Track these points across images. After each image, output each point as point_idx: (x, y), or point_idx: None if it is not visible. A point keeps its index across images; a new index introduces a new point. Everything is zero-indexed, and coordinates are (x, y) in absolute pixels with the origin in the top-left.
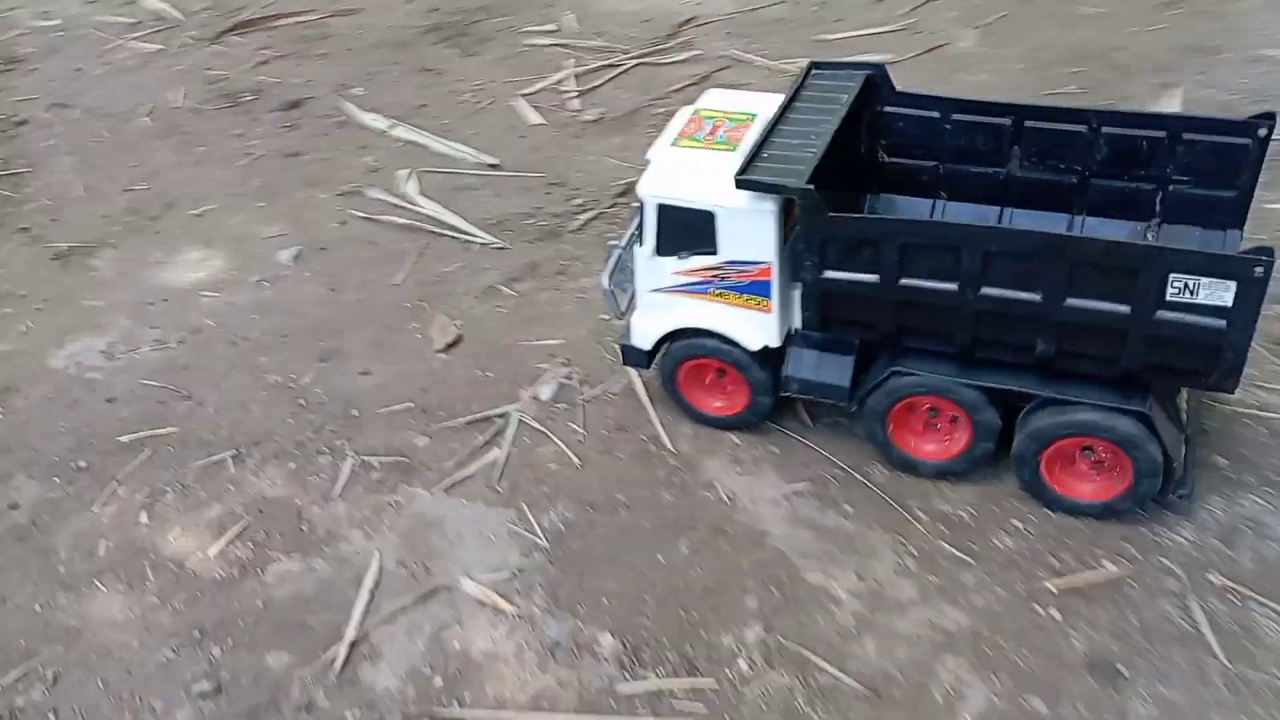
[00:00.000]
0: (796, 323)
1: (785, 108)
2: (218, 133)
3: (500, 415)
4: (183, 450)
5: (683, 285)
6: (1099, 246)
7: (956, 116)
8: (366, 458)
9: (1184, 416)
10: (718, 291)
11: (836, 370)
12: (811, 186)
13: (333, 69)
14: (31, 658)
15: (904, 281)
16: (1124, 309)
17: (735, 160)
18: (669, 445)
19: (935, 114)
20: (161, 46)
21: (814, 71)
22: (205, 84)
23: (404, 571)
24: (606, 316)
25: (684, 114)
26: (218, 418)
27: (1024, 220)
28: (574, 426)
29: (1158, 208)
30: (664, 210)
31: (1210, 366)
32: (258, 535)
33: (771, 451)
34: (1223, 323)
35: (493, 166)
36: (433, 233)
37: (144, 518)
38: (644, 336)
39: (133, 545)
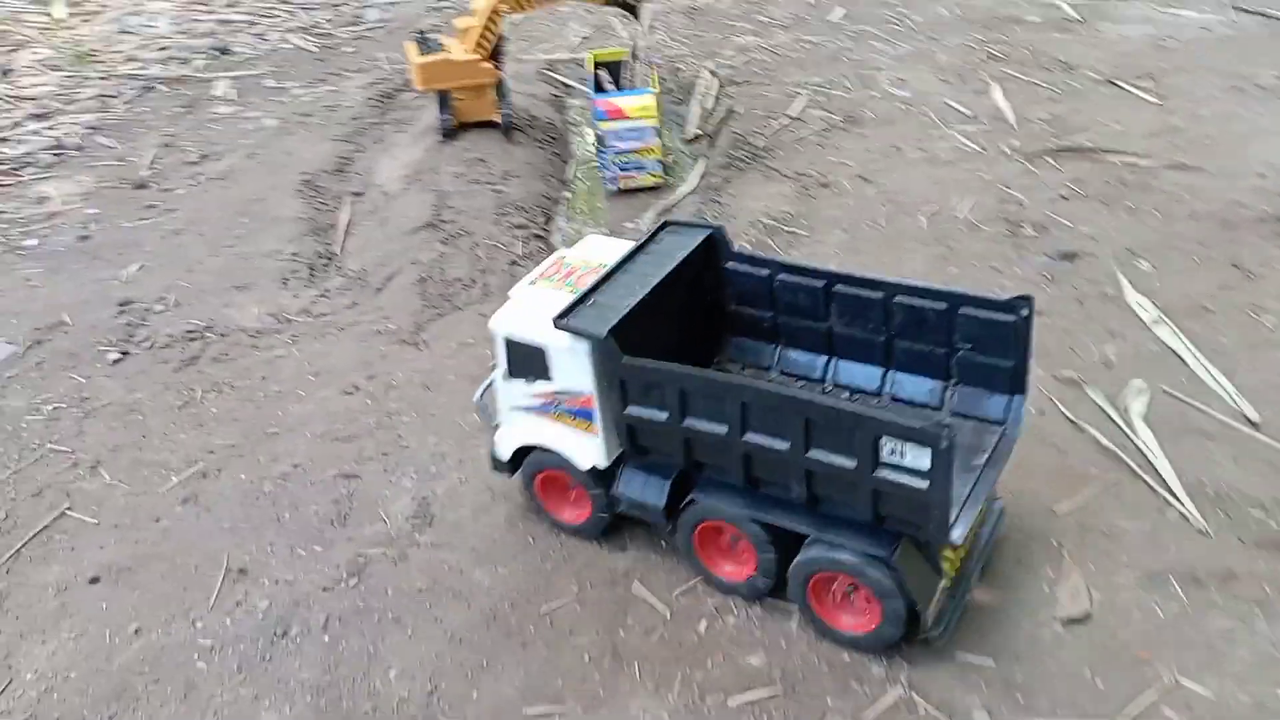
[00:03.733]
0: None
1: (627, 259)
2: (979, 260)
3: None
4: None
5: (531, 405)
6: (822, 408)
7: (781, 276)
8: (916, 696)
9: (950, 561)
10: (557, 414)
11: (655, 491)
12: (608, 335)
13: (1132, 229)
14: None
15: (686, 422)
16: (850, 464)
17: (566, 303)
18: None
19: (765, 272)
20: (981, 149)
21: (666, 228)
22: (997, 201)
23: None
24: None
25: (553, 257)
26: None
27: (846, 370)
28: None
29: (951, 370)
30: (509, 343)
31: (924, 520)
32: (775, 712)
33: None
34: (925, 483)
35: (1250, 423)
36: (1131, 470)
37: (703, 626)
38: (503, 448)
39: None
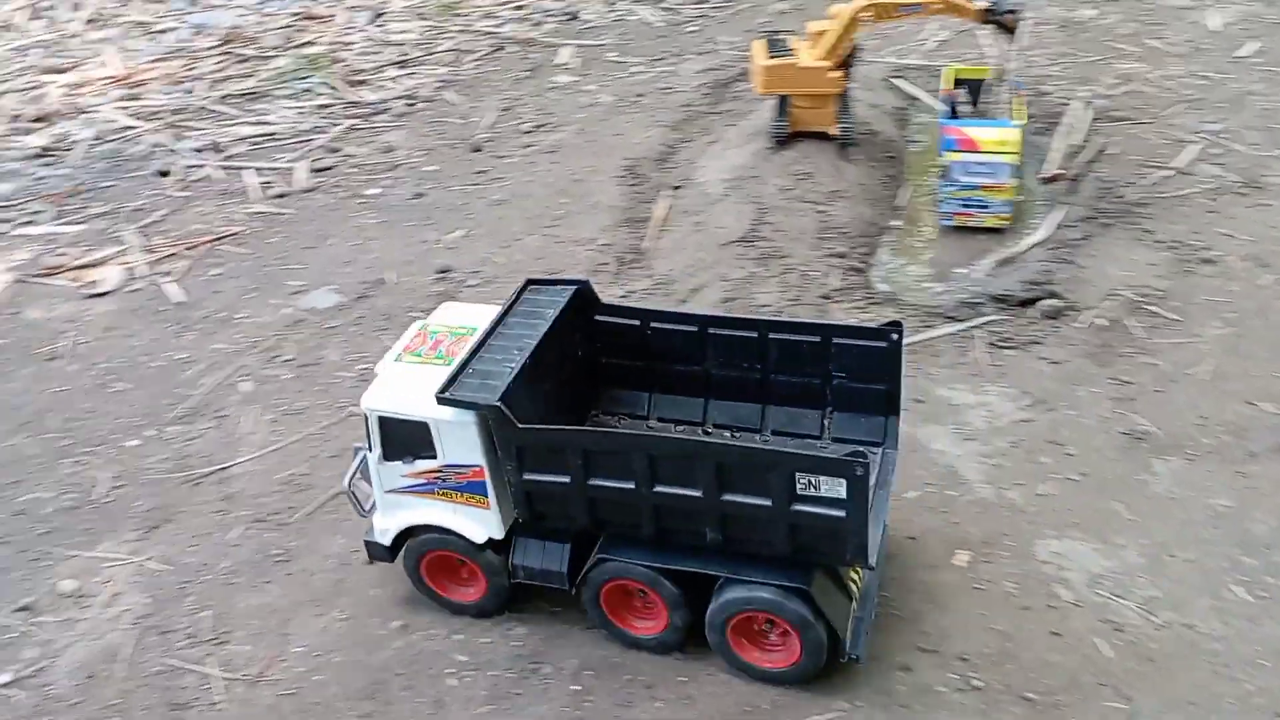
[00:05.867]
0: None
1: (497, 323)
2: None
3: None
4: None
5: (412, 486)
6: (736, 451)
7: (654, 325)
8: None
9: (855, 583)
10: (442, 491)
11: (554, 558)
12: (499, 404)
13: None
14: None
15: (591, 481)
16: (767, 502)
17: (445, 375)
18: None
19: (636, 322)
20: None
21: (529, 287)
22: None
23: None
24: None
25: (412, 329)
26: None
27: (723, 409)
28: None
29: (828, 398)
30: (385, 421)
31: (841, 548)
32: None
33: None
34: (842, 512)
35: None
36: None
37: None
38: (384, 534)
39: None
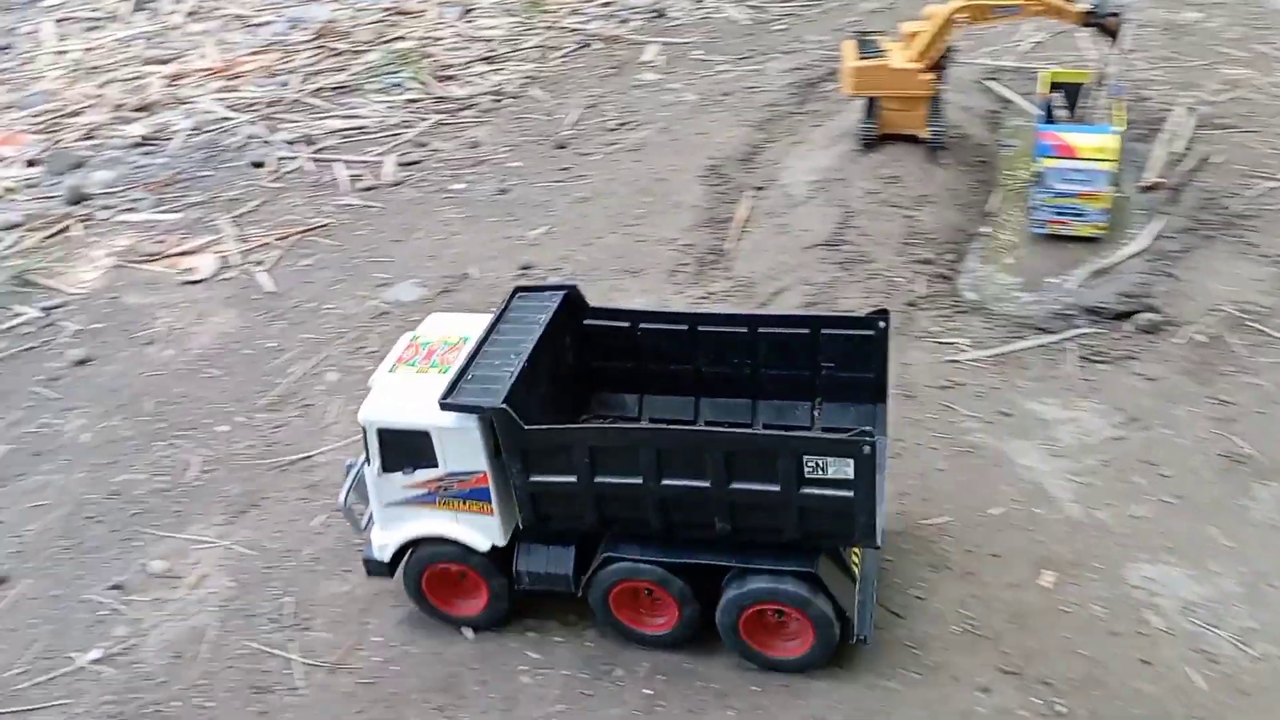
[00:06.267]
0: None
1: (491, 330)
2: None
3: None
4: None
5: (412, 498)
6: (743, 438)
7: (643, 325)
8: None
9: (856, 566)
10: (444, 501)
11: (560, 561)
12: (504, 406)
13: None
14: None
15: (597, 479)
16: (775, 487)
17: (444, 383)
18: None
19: (626, 324)
20: None
21: (518, 295)
22: None
23: None
24: None
25: (403, 341)
26: None
27: (714, 406)
28: None
29: (817, 389)
30: (384, 433)
31: (850, 528)
32: None
33: None
34: (850, 492)
35: None
36: None
37: None
38: (383, 549)
39: None
